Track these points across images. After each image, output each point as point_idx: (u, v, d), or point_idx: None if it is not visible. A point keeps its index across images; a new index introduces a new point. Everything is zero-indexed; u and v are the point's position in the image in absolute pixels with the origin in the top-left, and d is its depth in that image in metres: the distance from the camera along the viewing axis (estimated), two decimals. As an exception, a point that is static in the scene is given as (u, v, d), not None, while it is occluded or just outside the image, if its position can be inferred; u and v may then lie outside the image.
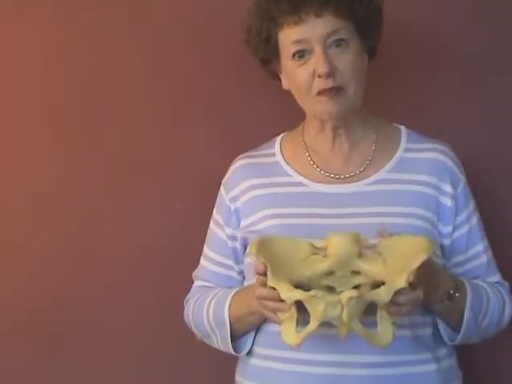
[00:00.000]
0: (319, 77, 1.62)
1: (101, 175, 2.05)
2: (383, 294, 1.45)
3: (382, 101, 1.92)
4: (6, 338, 2.05)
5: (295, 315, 1.48)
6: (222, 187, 1.79)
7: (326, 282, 1.54)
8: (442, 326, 1.67)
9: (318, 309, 1.43)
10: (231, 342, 1.69)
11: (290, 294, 1.46)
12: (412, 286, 1.47)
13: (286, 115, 1.81)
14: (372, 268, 1.53)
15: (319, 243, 1.57)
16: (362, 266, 1.53)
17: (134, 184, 2.05)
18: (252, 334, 1.70)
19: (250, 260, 1.70)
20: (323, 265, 1.54)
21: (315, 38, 1.62)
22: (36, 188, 2.05)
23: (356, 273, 1.54)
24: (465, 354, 1.77)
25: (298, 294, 1.46)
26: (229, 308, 1.68)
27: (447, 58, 2.02)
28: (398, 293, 1.46)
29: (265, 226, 1.69)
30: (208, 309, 1.72)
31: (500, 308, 1.71)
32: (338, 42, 1.63)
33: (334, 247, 1.54)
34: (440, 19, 2.01)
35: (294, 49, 1.64)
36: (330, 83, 1.62)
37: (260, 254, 1.51)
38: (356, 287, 1.52)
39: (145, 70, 2.04)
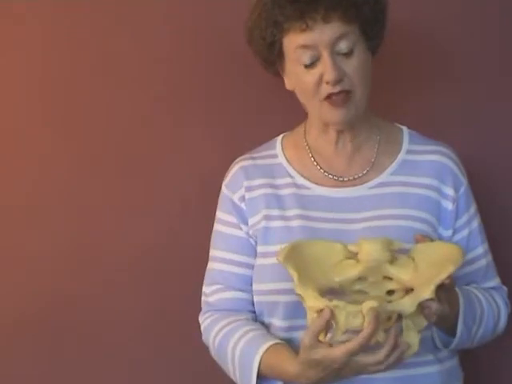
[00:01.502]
0: (327, 83, 1.60)
1: (100, 175, 2.05)
2: (407, 305, 1.45)
3: (383, 101, 1.92)
4: (6, 337, 2.05)
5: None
6: (225, 189, 1.76)
7: (358, 286, 1.55)
8: (434, 331, 1.65)
9: (340, 319, 1.43)
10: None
11: (314, 303, 1.46)
12: (438, 297, 1.46)
13: (286, 115, 1.82)
14: (402, 275, 1.52)
15: (352, 247, 1.56)
16: (393, 272, 1.53)
17: (134, 184, 2.05)
18: None
19: (258, 263, 1.69)
20: (354, 270, 1.54)
21: (322, 44, 1.59)
22: (36, 188, 2.04)
23: (389, 278, 1.54)
24: (466, 355, 1.77)
25: (322, 303, 1.45)
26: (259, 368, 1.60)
27: (447, 58, 2.02)
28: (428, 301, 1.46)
29: (267, 227, 1.68)
30: (233, 355, 1.64)
31: (495, 317, 1.70)
32: (345, 47, 1.60)
33: (365, 253, 1.53)
34: (441, 19, 2.01)
35: (299, 53, 1.61)
36: (338, 88, 1.60)
37: (287, 261, 1.51)
38: (389, 292, 1.53)
39: (145, 70, 2.03)
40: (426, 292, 1.45)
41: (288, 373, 1.53)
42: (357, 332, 1.43)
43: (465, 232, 1.72)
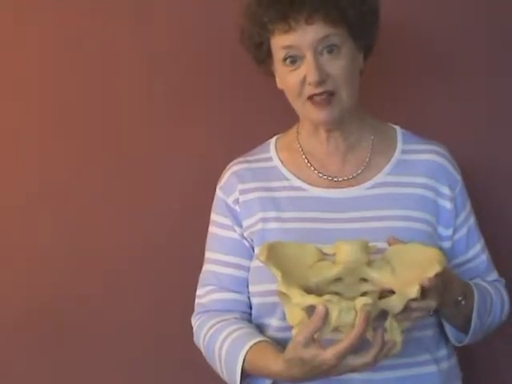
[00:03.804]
0: (309, 84, 1.60)
1: (100, 175, 2.05)
2: (396, 303, 1.44)
3: (380, 101, 1.93)
4: (6, 337, 2.05)
5: (306, 320, 1.46)
6: (219, 192, 1.76)
7: (334, 288, 1.54)
8: (447, 328, 1.67)
9: (332, 314, 1.42)
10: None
11: (302, 299, 1.45)
12: (424, 295, 1.46)
13: (286, 115, 1.80)
14: (381, 277, 1.53)
15: (327, 249, 1.56)
16: (371, 274, 1.54)
17: (134, 184, 2.05)
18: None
19: (255, 264, 1.68)
20: (332, 271, 1.54)
21: (305, 45, 1.59)
22: (36, 188, 2.04)
23: (364, 280, 1.54)
24: (465, 355, 1.77)
25: (311, 299, 1.44)
26: (243, 367, 1.59)
27: (447, 57, 2.02)
28: (410, 300, 1.45)
29: (264, 229, 1.68)
30: (220, 354, 1.65)
31: (500, 306, 1.72)
32: (330, 48, 1.60)
33: (343, 255, 1.53)
34: (440, 19, 2.01)
35: (284, 54, 1.62)
36: (320, 89, 1.60)
37: (269, 261, 1.50)
38: (363, 294, 1.51)
39: (144, 70, 2.04)
40: (413, 290, 1.44)
41: (272, 370, 1.53)
42: (341, 329, 1.43)
43: (464, 229, 1.72)
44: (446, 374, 1.67)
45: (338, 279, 1.55)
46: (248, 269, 1.70)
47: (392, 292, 1.49)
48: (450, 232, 1.70)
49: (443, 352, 1.67)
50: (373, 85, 1.75)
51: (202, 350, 1.72)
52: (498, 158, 2.02)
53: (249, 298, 1.71)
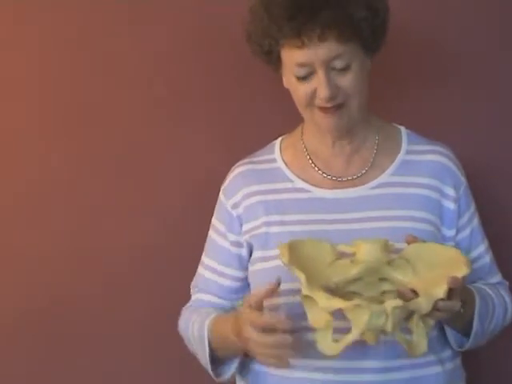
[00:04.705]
0: (321, 99, 1.60)
1: (100, 175, 2.05)
2: (424, 304, 1.43)
3: (382, 101, 1.92)
4: (6, 337, 2.05)
5: (331, 324, 1.45)
6: (221, 194, 1.77)
7: (353, 287, 1.54)
8: (448, 332, 1.67)
9: (362, 318, 1.40)
10: (214, 364, 1.69)
11: (329, 303, 1.43)
12: (449, 296, 1.46)
13: (286, 115, 1.81)
14: (403, 277, 1.52)
15: (346, 248, 1.55)
16: (392, 274, 1.53)
17: (134, 184, 2.05)
18: (235, 363, 1.68)
19: (254, 268, 1.69)
20: (353, 271, 1.53)
21: (318, 62, 1.58)
22: (36, 187, 2.04)
23: (383, 279, 1.54)
24: (469, 355, 1.76)
25: (339, 303, 1.42)
26: (208, 337, 1.66)
27: (447, 58, 2.02)
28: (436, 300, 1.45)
29: (267, 233, 1.68)
30: (192, 330, 1.71)
31: (503, 312, 1.72)
32: (341, 66, 1.60)
33: (364, 254, 1.52)
34: (440, 20, 2.02)
35: (296, 71, 1.61)
36: (330, 104, 1.60)
37: (292, 263, 1.48)
38: (382, 293, 1.52)
39: (145, 71, 2.04)
40: (440, 291, 1.44)
41: (228, 330, 1.58)
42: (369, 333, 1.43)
43: (467, 231, 1.72)
44: (451, 374, 1.67)
45: (357, 278, 1.54)
46: (235, 278, 1.74)
47: (414, 291, 1.48)
48: (453, 233, 1.70)
49: (447, 353, 1.67)
50: (377, 86, 1.74)
51: (184, 338, 1.77)
52: (499, 158, 2.03)
53: (233, 304, 1.74)
